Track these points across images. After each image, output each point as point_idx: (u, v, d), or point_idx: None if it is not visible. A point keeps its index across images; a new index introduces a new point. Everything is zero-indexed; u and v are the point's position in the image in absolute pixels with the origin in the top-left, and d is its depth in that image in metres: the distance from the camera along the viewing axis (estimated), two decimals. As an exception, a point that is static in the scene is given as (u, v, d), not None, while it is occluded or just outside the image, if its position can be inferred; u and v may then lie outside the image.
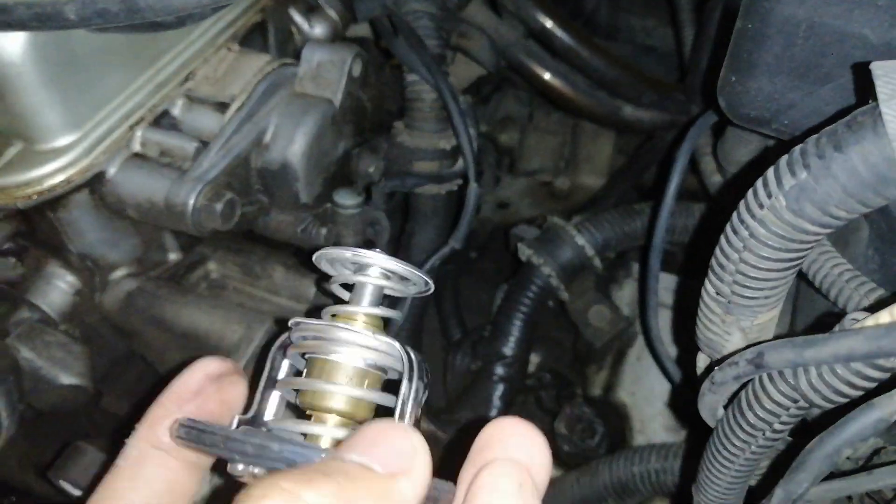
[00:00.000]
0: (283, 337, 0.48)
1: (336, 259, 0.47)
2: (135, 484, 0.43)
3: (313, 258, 0.48)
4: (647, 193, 1.39)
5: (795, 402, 0.43)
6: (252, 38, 1.00)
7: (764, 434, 0.47)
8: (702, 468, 0.57)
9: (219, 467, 0.49)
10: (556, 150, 1.61)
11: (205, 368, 0.46)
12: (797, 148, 0.40)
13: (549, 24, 1.21)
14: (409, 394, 0.44)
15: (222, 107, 0.89)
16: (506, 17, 1.25)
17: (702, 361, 0.60)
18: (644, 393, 1.22)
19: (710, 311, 0.52)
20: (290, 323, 0.47)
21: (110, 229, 0.88)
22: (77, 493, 0.78)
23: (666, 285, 1.26)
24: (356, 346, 0.44)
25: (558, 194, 1.58)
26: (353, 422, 0.45)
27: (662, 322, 1.24)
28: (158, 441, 0.44)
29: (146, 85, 0.86)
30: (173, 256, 0.96)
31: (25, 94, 0.75)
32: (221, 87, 0.91)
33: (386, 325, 0.48)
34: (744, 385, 0.48)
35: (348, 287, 0.48)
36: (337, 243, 0.99)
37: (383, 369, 0.46)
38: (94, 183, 0.82)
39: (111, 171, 0.83)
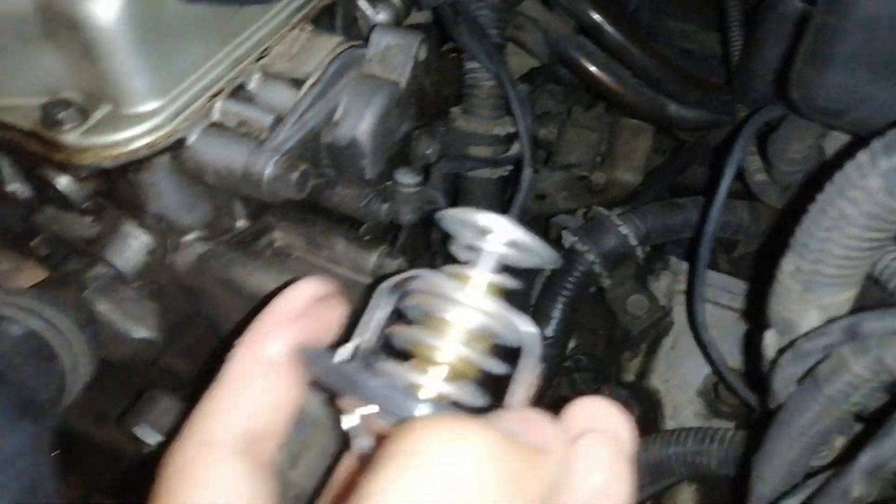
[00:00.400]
0: (395, 280, 0.48)
1: (461, 221, 0.47)
2: (238, 400, 0.42)
3: (436, 217, 0.48)
4: (682, 192, 1.42)
5: (877, 374, 0.46)
6: (321, 19, 1.04)
7: (839, 407, 0.50)
8: (768, 440, 0.60)
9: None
10: (594, 145, 1.64)
11: (309, 289, 0.45)
12: (893, 131, 0.43)
13: (599, 19, 1.25)
14: (528, 366, 0.44)
15: (297, 83, 0.92)
16: (557, 11, 1.28)
17: (770, 339, 0.63)
18: (677, 381, 1.25)
19: (788, 289, 0.55)
20: (409, 273, 0.47)
21: (186, 194, 0.92)
22: (151, 439, 0.82)
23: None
24: (474, 308, 0.44)
25: (594, 188, 1.61)
26: (458, 379, 0.45)
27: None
28: (262, 358, 0.43)
29: (226, 58, 0.90)
30: (241, 223, 1.00)
31: (117, 59, 0.79)
32: (296, 65, 0.94)
33: (503, 295, 0.47)
34: (818, 361, 0.51)
35: (470, 251, 0.48)
36: (396, 219, 1.03)
37: (495, 336, 0.46)
38: (176, 148, 0.86)
39: (192, 138, 0.87)
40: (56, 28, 0.76)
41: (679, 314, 1.28)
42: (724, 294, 1.20)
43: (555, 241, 1.33)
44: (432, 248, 1.11)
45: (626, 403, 1.15)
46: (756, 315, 1.07)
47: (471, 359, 0.45)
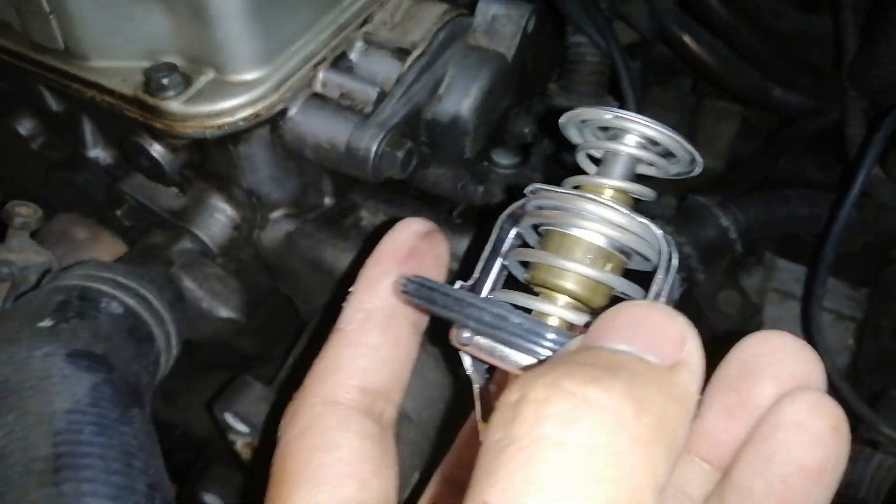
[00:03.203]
0: (515, 205, 0.43)
1: (588, 122, 0.42)
2: (361, 350, 0.40)
3: (560, 120, 0.43)
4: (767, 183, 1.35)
5: None
6: (419, -15, 0.97)
7: None
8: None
9: (437, 332, 0.44)
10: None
11: (412, 226, 0.43)
12: None
13: (706, -5, 1.17)
14: (664, 287, 0.38)
15: (402, 53, 0.87)
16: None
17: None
18: (764, 383, 1.20)
19: None
20: (526, 189, 0.42)
21: (280, 168, 0.87)
22: (241, 427, 0.79)
23: (796, 276, 1.23)
24: (602, 222, 0.39)
25: (673, 173, 1.54)
26: (587, 307, 0.41)
27: (789, 312, 1.22)
28: (380, 303, 0.41)
29: (329, 25, 0.85)
30: (328, 201, 0.95)
31: (228, 23, 0.74)
32: (401, 33, 0.88)
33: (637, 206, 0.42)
34: None
35: (596, 161, 0.43)
36: (490, 202, 0.98)
37: (628, 254, 0.41)
38: (277, 120, 0.81)
39: (293, 109, 0.82)
40: (168, -13, 0.71)
41: (770, 313, 1.22)
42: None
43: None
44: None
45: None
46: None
47: (599, 279, 0.39)
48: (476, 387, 0.41)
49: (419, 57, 0.86)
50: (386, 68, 0.86)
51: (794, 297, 1.21)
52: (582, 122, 0.42)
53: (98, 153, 0.96)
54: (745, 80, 1.19)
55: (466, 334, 0.38)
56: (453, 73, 0.89)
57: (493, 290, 0.43)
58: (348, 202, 0.98)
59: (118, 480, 0.48)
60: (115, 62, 0.79)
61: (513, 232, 0.44)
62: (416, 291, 0.38)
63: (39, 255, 0.74)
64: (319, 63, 0.83)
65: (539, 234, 0.43)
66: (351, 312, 0.41)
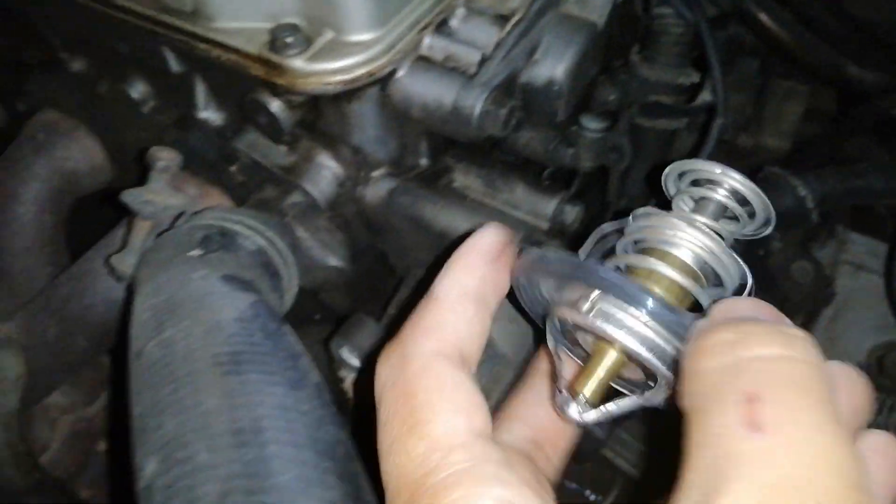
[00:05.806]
0: (613, 224, 0.52)
1: (688, 171, 0.50)
2: (457, 318, 0.45)
3: (665, 171, 0.51)
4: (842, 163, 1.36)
5: None
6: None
7: None
8: None
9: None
10: (739, 107, 1.58)
11: (499, 233, 0.50)
12: None
13: (782, -28, 1.19)
14: None
15: (501, 20, 0.91)
16: (733, -39, 1.23)
17: None
18: (836, 353, 1.22)
19: None
20: (635, 211, 0.50)
21: (385, 128, 0.92)
22: (355, 362, 0.85)
23: (869, 248, 1.25)
24: (695, 244, 0.47)
25: (740, 152, 1.56)
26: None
27: (863, 284, 1.24)
28: (474, 285, 0.47)
29: (434, -7, 0.90)
30: (424, 162, 1.00)
31: (350, -15, 0.80)
32: (499, 1, 0.93)
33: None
34: None
35: (697, 199, 0.51)
36: (576, 165, 1.02)
37: (708, 278, 0.48)
38: (387, 80, 0.87)
39: (401, 71, 0.87)
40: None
41: (842, 284, 1.24)
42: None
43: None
44: (607, 197, 1.10)
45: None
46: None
47: (688, 288, 0.46)
48: (557, 360, 0.48)
49: (517, 23, 0.91)
50: (486, 34, 0.91)
51: (867, 269, 1.23)
52: (681, 174, 0.50)
53: (209, 115, 1.03)
54: (820, 57, 1.22)
55: (586, 305, 0.45)
56: (549, 39, 0.93)
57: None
58: (442, 164, 1.03)
59: (292, 375, 0.54)
60: (239, 23, 0.85)
61: (607, 243, 0.52)
62: (550, 261, 0.47)
63: (176, 197, 0.81)
64: (425, 28, 0.89)
65: (637, 248, 0.50)
66: (448, 285, 0.47)
